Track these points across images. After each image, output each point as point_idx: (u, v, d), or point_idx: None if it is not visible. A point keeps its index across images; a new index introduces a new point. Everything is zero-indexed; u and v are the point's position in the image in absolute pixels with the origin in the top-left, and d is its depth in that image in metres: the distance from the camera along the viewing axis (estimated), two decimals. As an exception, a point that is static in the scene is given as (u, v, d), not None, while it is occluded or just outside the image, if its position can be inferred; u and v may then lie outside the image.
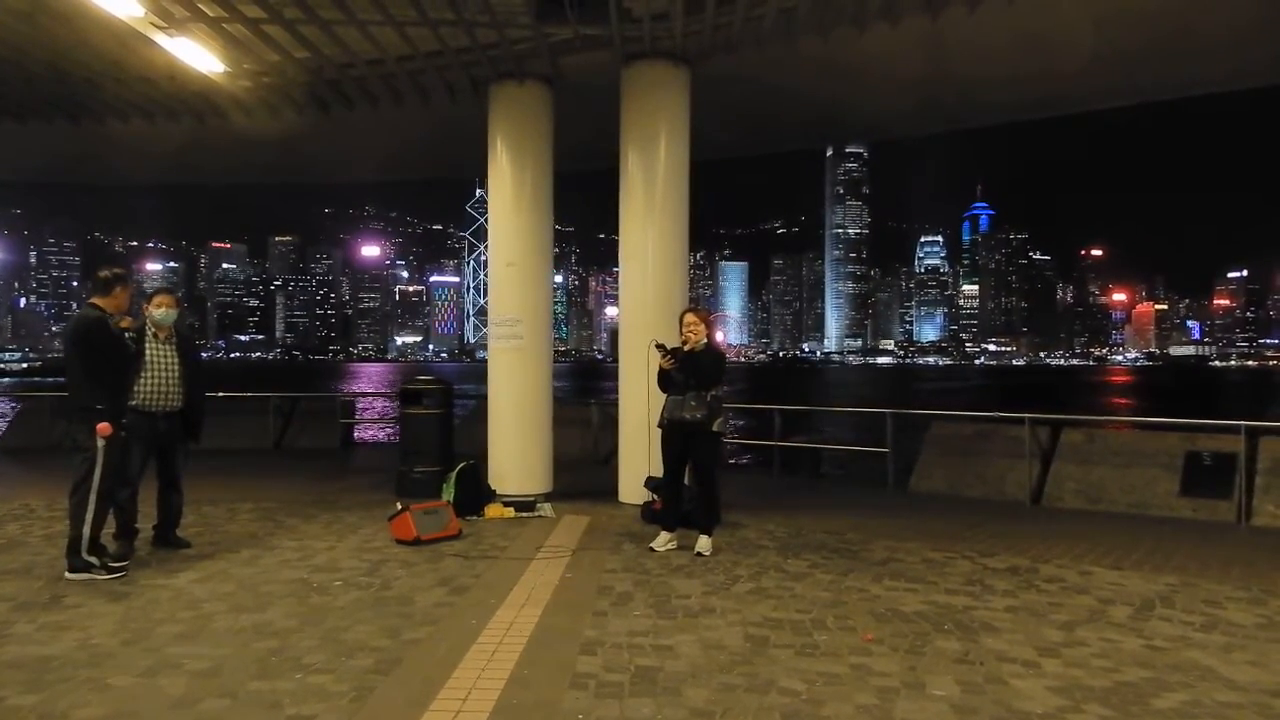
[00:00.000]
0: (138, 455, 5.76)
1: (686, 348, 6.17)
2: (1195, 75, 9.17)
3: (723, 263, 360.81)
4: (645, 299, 8.11)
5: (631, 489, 7.85)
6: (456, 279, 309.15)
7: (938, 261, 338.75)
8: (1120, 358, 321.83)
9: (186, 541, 6.10)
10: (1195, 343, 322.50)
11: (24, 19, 7.37)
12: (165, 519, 6.11)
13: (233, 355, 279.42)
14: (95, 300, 5.41)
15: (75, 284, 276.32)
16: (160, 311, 5.96)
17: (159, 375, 5.88)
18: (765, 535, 6.73)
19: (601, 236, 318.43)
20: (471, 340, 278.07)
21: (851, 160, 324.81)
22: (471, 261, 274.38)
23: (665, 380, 6.21)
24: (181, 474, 6.17)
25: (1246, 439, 7.77)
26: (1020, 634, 4.29)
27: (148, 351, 5.84)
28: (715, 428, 6.08)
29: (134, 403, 5.70)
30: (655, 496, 7.05)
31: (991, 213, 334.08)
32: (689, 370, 6.07)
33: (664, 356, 6.13)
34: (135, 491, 5.81)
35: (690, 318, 6.26)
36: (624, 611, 4.64)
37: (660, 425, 6.27)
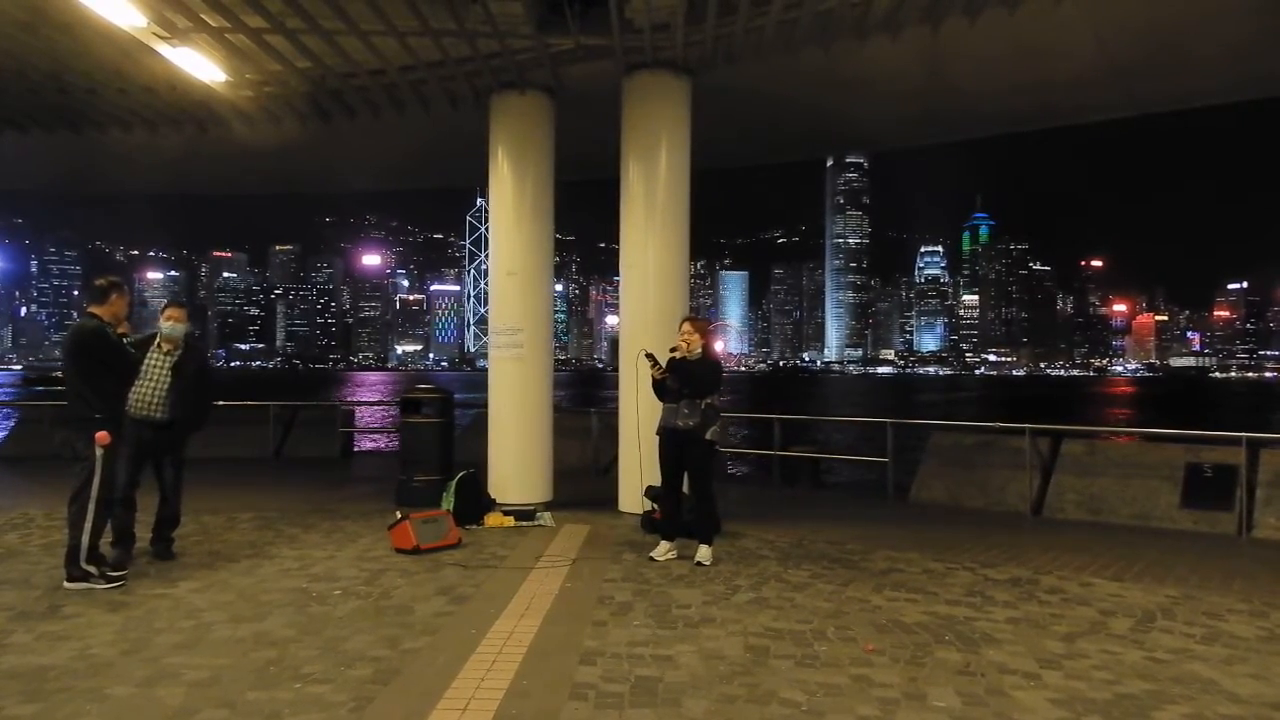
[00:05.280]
0: (127, 461, 5.74)
1: (678, 355, 6.19)
2: (1194, 88, 9.20)
3: (723, 272, 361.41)
4: (646, 308, 8.12)
5: (631, 498, 7.84)
6: (457, 288, 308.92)
7: (938, 271, 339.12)
8: (1120, 369, 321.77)
9: (172, 553, 6.06)
10: (1196, 354, 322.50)
11: (27, 29, 7.40)
12: (157, 524, 6.11)
13: (233, 364, 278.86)
14: (93, 309, 5.41)
15: (76, 293, 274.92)
16: (169, 325, 6.01)
17: (148, 385, 5.89)
18: (765, 545, 6.72)
19: (602, 245, 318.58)
20: (472, 349, 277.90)
21: (852, 170, 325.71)
22: (472, 270, 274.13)
23: (660, 389, 6.25)
24: (170, 485, 6.14)
25: (1247, 451, 7.76)
26: (1021, 645, 4.28)
27: (146, 360, 5.87)
28: (709, 436, 6.09)
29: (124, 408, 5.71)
30: (655, 506, 7.05)
31: (992, 223, 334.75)
32: (682, 378, 6.09)
33: (653, 366, 6.18)
34: (129, 499, 5.81)
35: (687, 325, 6.31)
36: (624, 621, 4.63)
37: (657, 433, 6.30)
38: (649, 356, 6.23)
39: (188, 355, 6.12)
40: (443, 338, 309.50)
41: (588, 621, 4.62)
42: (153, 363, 5.94)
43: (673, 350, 6.24)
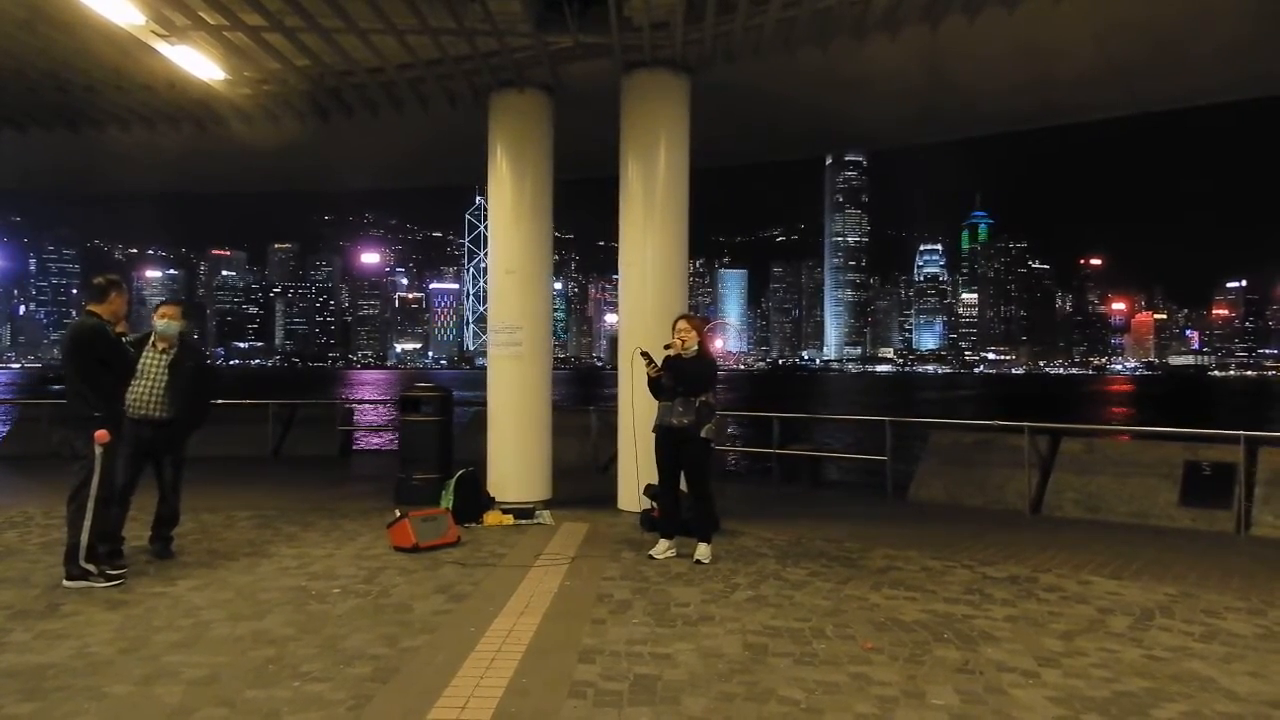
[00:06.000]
0: (125, 461, 5.73)
1: (671, 352, 6.20)
2: (1192, 87, 9.21)
3: (722, 270, 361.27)
4: (645, 306, 8.12)
5: (630, 496, 7.84)
6: (456, 286, 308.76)
7: (937, 270, 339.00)
8: (1119, 367, 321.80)
9: (171, 552, 6.07)
10: (1194, 352, 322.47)
11: (25, 27, 7.39)
12: (156, 523, 6.11)
13: (232, 362, 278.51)
14: (92, 307, 5.41)
15: (75, 292, 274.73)
16: (163, 323, 6.00)
17: (145, 384, 5.87)
18: (764, 543, 6.72)
19: (601, 244, 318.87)
20: (471, 347, 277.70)
21: (851, 168, 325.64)
22: (471, 268, 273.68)
23: (655, 387, 6.27)
24: (169, 483, 6.13)
25: (1246, 449, 7.76)
26: (1020, 643, 4.28)
27: (142, 359, 5.85)
28: (703, 434, 6.09)
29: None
30: (654, 504, 7.05)
31: (991, 221, 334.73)
32: (676, 376, 6.11)
33: (649, 365, 6.21)
34: (124, 500, 5.79)
35: (682, 324, 6.32)
36: (623, 619, 4.63)
37: (653, 431, 6.32)
38: (644, 355, 6.26)
39: (184, 353, 6.10)
40: (442, 336, 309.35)
41: (587, 619, 4.62)
42: (149, 361, 5.92)
43: (667, 347, 6.26)
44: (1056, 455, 8.75)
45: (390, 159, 12.14)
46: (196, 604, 4.84)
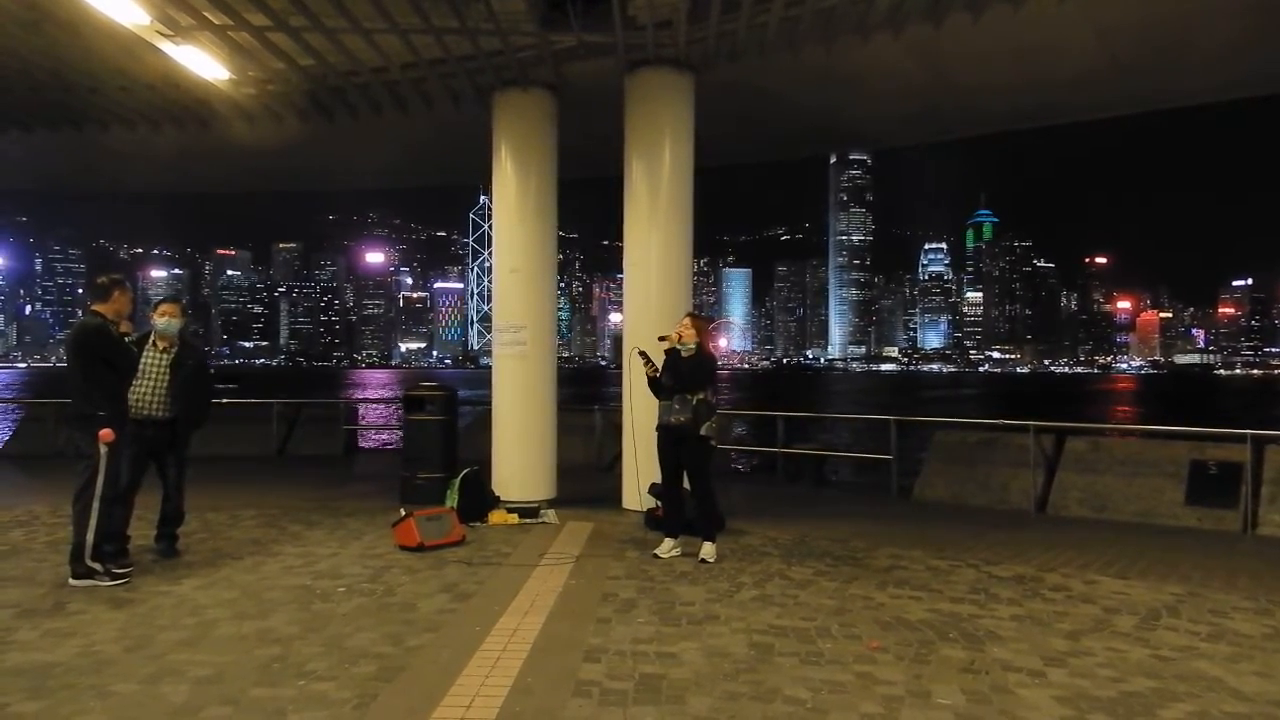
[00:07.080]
0: (129, 461, 5.74)
1: (666, 345, 6.23)
2: (1194, 85, 9.18)
3: (726, 269, 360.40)
4: (649, 305, 8.12)
5: (635, 495, 7.84)
6: (460, 285, 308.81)
7: (941, 269, 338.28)
8: (1124, 365, 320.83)
9: (176, 550, 6.06)
10: (1200, 351, 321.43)
11: (29, 28, 7.41)
12: (161, 522, 6.11)
13: (237, 361, 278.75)
14: (95, 307, 5.41)
15: (80, 291, 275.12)
16: (163, 321, 5.98)
17: (146, 384, 5.86)
18: (769, 542, 6.71)
19: (605, 243, 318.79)
20: (475, 347, 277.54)
21: (855, 167, 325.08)
22: (475, 268, 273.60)
23: (655, 386, 6.31)
24: (173, 482, 6.13)
25: (1252, 448, 7.73)
26: (1026, 643, 4.27)
27: (142, 358, 5.85)
28: (702, 432, 6.09)
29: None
30: (658, 503, 7.05)
31: (995, 220, 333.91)
32: (673, 374, 6.13)
33: (647, 365, 6.27)
34: (127, 499, 5.78)
35: (686, 320, 6.35)
36: (628, 619, 4.63)
37: (656, 430, 6.33)
38: (642, 354, 6.32)
39: (185, 351, 6.10)
40: (446, 335, 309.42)
41: (591, 619, 4.62)
42: (149, 361, 5.90)
43: (662, 339, 6.27)
44: (1061, 454, 8.72)
45: (394, 158, 12.15)
46: (201, 603, 4.85)
